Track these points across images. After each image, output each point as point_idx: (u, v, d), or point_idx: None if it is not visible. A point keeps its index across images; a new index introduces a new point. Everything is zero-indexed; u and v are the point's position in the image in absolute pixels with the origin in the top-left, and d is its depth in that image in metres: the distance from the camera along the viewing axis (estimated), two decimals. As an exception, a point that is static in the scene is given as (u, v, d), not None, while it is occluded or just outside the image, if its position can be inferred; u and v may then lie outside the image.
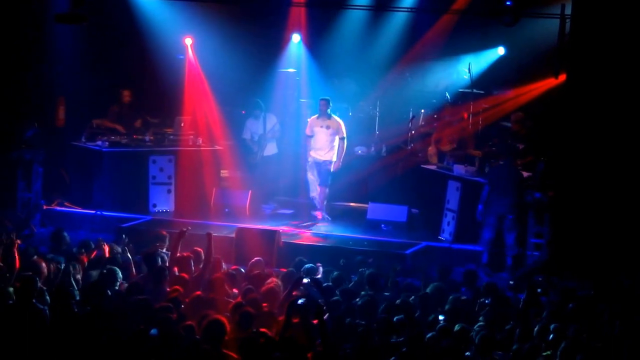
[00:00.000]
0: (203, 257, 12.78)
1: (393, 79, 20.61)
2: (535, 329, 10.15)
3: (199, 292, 11.18)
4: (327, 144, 17.82)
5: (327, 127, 17.78)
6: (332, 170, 17.90)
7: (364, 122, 20.62)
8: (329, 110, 17.74)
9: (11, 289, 10.67)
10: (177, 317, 10.09)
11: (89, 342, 9.33)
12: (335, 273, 12.63)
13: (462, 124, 19.12)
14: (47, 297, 10.63)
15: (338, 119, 17.92)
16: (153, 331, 9.53)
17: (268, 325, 9.96)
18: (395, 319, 10.44)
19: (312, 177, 18.01)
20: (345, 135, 17.81)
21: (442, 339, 9.90)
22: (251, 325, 9.90)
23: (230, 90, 20.12)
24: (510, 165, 15.83)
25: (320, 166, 17.91)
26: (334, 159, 17.84)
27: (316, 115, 18.01)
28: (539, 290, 12.12)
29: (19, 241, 12.47)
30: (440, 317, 10.88)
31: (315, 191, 18.00)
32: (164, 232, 14.42)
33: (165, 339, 9.37)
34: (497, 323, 10.63)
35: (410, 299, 11.55)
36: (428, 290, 11.92)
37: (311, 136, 18.00)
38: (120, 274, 11.79)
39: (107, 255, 12.84)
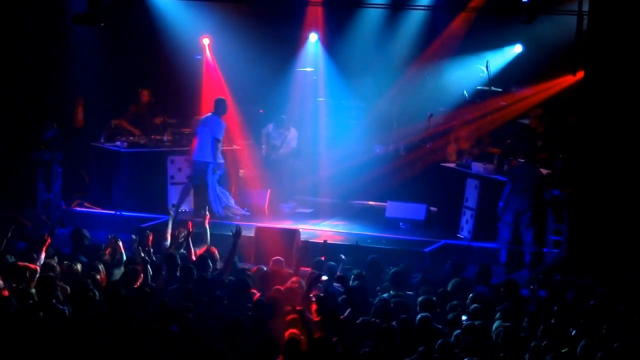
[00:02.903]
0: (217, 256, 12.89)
1: (411, 77, 20.55)
2: (551, 326, 10.15)
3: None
4: None
5: None
6: None
7: (382, 120, 20.59)
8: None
9: (33, 290, 10.75)
10: (196, 316, 10.15)
11: (106, 341, 9.39)
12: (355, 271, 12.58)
13: (481, 121, 19.07)
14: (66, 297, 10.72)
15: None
16: (173, 328, 9.57)
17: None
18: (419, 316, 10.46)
19: None
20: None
21: (467, 336, 9.90)
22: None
23: (248, 90, 20.12)
24: (530, 163, 15.78)
25: None
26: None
27: None
28: (555, 288, 12.14)
29: (49, 240, 12.50)
30: (464, 317, 10.86)
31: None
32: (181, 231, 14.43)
33: (183, 338, 9.42)
34: (514, 320, 10.62)
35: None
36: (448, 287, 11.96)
37: None
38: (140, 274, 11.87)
39: (121, 253, 12.87)
